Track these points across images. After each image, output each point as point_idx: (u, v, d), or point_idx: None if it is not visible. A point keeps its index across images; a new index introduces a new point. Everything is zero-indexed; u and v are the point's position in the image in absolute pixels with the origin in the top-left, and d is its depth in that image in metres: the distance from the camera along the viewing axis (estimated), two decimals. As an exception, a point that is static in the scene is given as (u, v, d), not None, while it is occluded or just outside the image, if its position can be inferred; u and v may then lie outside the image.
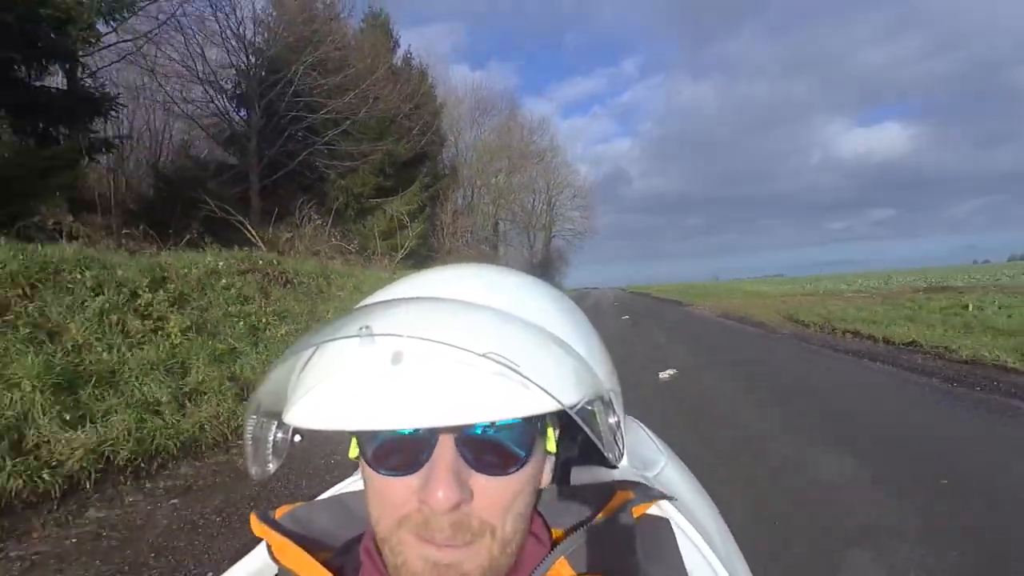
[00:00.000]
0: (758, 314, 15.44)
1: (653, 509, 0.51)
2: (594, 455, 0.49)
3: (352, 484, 0.64)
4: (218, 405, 4.77)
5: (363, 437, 0.44)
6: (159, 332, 5.55)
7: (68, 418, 3.82)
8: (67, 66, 10.78)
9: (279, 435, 0.48)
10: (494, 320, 0.42)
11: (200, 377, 5.12)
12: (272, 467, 0.49)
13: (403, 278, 0.51)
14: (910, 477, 3.36)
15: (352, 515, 0.55)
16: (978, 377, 5.73)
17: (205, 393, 4.91)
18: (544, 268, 43.23)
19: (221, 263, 7.70)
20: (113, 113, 11.57)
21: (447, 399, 0.38)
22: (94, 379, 4.41)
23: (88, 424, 3.85)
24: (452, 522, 0.41)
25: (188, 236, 9.45)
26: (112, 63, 13.56)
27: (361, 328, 0.39)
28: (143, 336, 5.34)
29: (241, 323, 6.56)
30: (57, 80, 11.14)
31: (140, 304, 5.74)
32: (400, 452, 0.42)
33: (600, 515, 0.49)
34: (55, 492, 3.27)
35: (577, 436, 0.52)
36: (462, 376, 0.38)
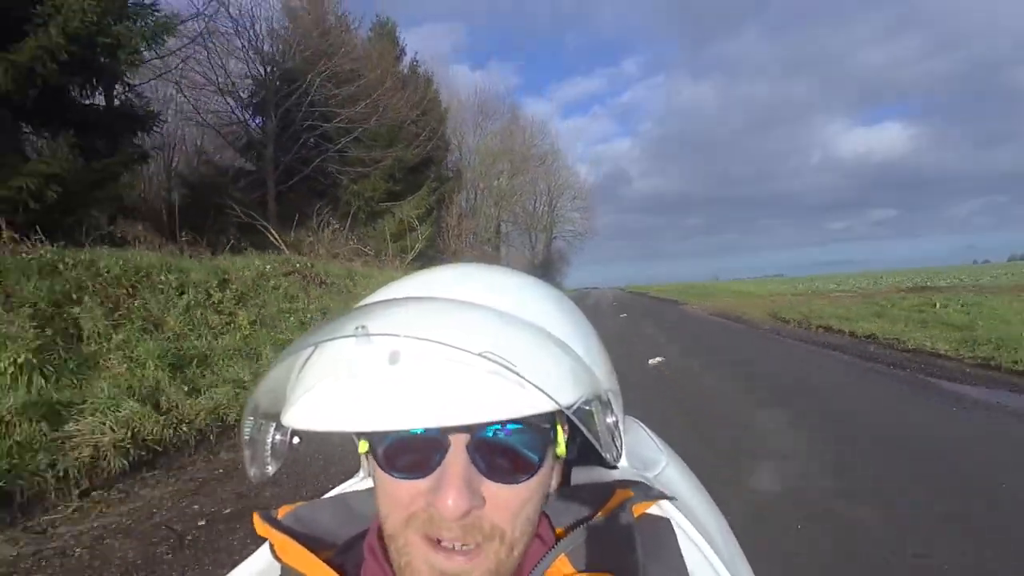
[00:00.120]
0: (747, 312, 16.57)
1: (654, 509, 0.51)
2: (594, 455, 0.49)
3: (356, 484, 0.66)
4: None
5: (373, 436, 0.44)
6: (231, 324, 6.67)
7: (186, 389, 4.94)
8: (107, 85, 11.91)
9: (277, 437, 0.48)
10: (491, 320, 0.42)
11: (270, 362, 6.24)
12: (271, 469, 0.48)
13: (402, 278, 0.51)
14: (820, 420, 4.49)
15: (354, 514, 0.56)
16: (914, 362, 6.87)
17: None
18: (545, 269, 44.29)
19: (268, 266, 8.82)
20: (156, 129, 12.72)
21: (443, 399, 0.38)
22: (194, 361, 5.53)
23: (201, 394, 4.97)
24: (462, 525, 0.41)
25: (231, 242, 10.54)
26: (148, 80, 14.69)
27: (357, 328, 0.39)
28: (221, 328, 6.46)
29: (292, 318, 7.68)
30: (95, 97, 12.27)
31: (214, 301, 6.87)
32: (411, 453, 0.42)
33: (600, 514, 0.49)
34: (191, 441, 4.40)
35: (576, 437, 0.50)
36: (459, 375, 0.39)
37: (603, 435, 0.44)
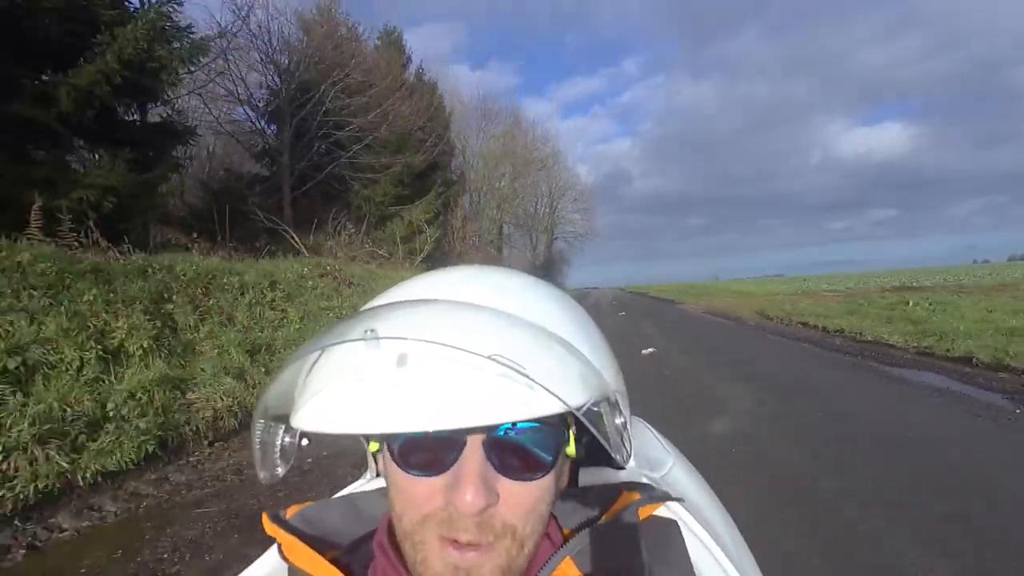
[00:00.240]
0: (738, 310, 17.73)
1: (661, 510, 0.51)
2: (601, 456, 0.49)
3: (365, 484, 0.67)
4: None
5: (383, 436, 0.45)
6: (284, 319, 7.81)
7: (263, 371, 6.07)
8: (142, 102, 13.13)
9: (286, 439, 0.49)
10: (499, 322, 0.43)
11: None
12: (280, 471, 0.49)
13: (408, 280, 0.52)
14: (787, 398, 5.62)
15: (361, 514, 0.57)
16: (867, 351, 8.03)
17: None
18: (546, 269, 45.39)
19: (305, 269, 9.96)
20: (192, 142, 13.89)
21: (453, 401, 0.39)
22: (262, 348, 6.66)
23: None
24: (477, 522, 0.42)
25: (267, 247, 11.67)
26: (179, 96, 15.86)
27: (366, 331, 0.40)
28: (277, 322, 7.60)
29: (331, 315, 8.80)
30: (137, 114, 13.45)
31: (268, 299, 8.00)
32: (426, 451, 0.43)
33: (605, 516, 0.50)
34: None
35: (583, 438, 0.49)
36: (467, 378, 0.39)
37: (612, 436, 0.44)
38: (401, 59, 29.66)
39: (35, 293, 4.86)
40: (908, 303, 14.19)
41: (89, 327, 4.89)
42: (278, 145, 21.85)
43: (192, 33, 13.37)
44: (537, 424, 0.43)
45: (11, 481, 3.31)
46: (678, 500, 0.52)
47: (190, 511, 3.38)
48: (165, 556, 2.77)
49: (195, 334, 6.12)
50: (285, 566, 0.50)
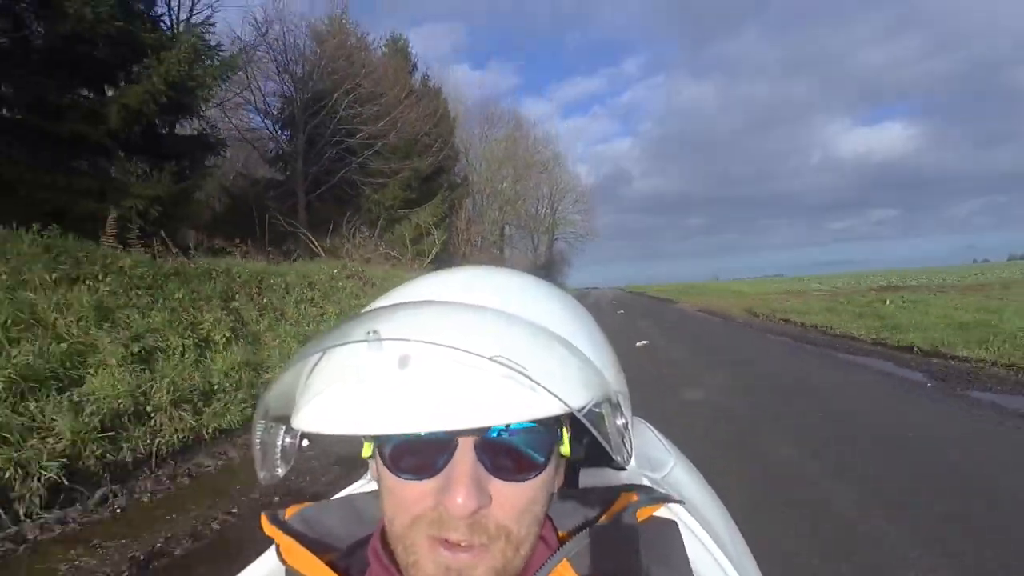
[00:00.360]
0: (730, 309, 18.89)
1: (661, 511, 0.51)
2: (602, 457, 0.49)
3: (364, 485, 0.67)
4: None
5: (379, 438, 0.45)
6: (324, 316, 8.93)
7: (316, 358, 7.20)
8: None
9: (287, 440, 0.49)
10: (501, 323, 0.43)
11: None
12: (281, 472, 0.49)
13: (409, 282, 0.52)
14: (754, 379, 6.74)
15: (361, 516, 0.56)
16: (833, 343, 9.19)
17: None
18: (547, 270, 46.42)
19: (335, 270, 11.10)
20: (222, 153, 15.04)
21: (454, 403, 0.39)
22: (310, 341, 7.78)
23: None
24: (469, 524, 0.41)
25: (296, 251, 12.79)
26: (210, 108, 17.00)
27: (368, 332, 0.40)
28: (319, 318, 8.73)
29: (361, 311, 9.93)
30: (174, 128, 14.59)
31: (308, 298, 9.13)
32: (418, 454, 0.43)
33: (604, 518, 0.50)
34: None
35: (583, 438, 0.51)
36: (469, 380, 0.39)
37: (613, 437, 0.44)
38: (407, 66, 30.79)
39: (140, 292, 5.99)
40: (884, 301, 15.31)
41: (183, 320, 6.01)
42: (292, 151, 23.00)
43: (222, 51, 14.55)
44: (532, 424, 0.42)
45: (160, 433, 4.45)
46: (678, 502, 0.52)
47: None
48: (292, 478, 3.90)
49: (258, 327, 7.25)
50: (283, 568, 0.50)
